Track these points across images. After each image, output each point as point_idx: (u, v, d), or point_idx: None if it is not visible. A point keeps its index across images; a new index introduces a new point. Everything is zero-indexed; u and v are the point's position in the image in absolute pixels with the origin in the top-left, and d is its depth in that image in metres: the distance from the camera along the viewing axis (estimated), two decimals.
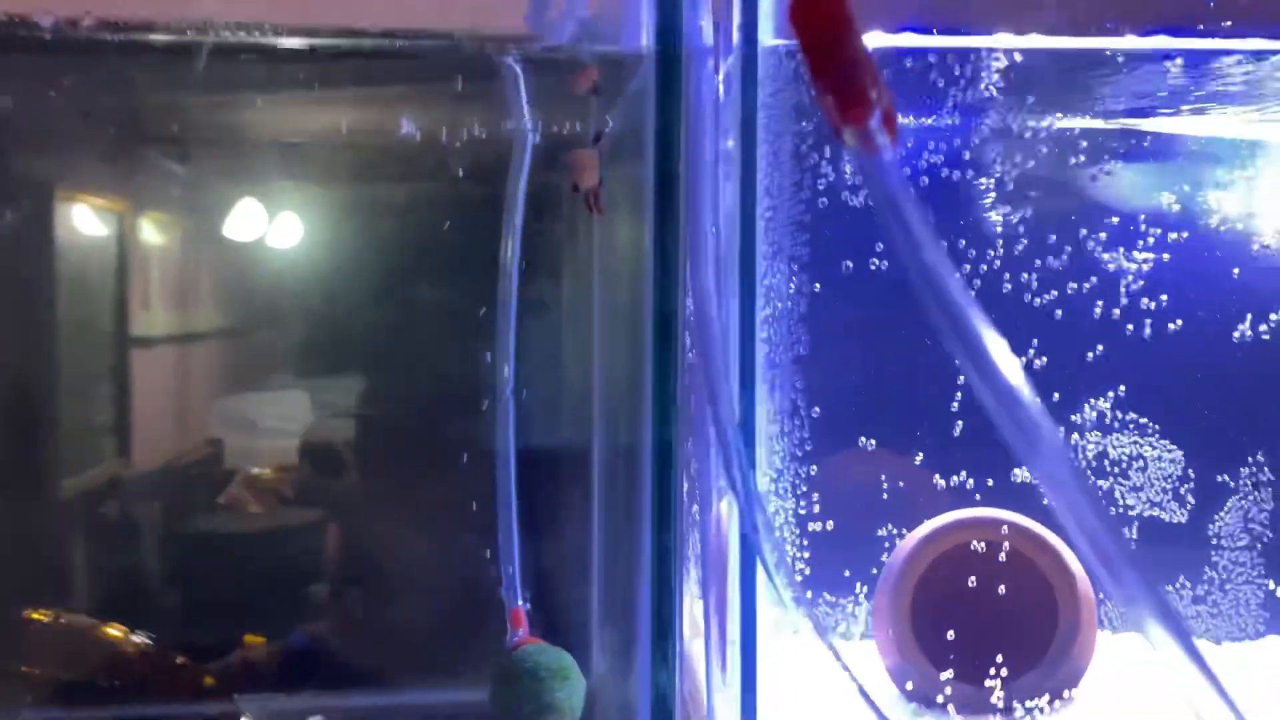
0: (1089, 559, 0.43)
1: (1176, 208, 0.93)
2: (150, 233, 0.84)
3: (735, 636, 0.72)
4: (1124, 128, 0.95)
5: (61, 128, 0.79)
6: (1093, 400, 0.93)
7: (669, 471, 0.69)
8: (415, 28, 0.74)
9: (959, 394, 0.87)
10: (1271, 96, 0.90)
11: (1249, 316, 0.93)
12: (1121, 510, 0.95)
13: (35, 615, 0.78)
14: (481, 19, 0.75)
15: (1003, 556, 0.86)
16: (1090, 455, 0.94)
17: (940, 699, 0.83)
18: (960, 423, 0.87)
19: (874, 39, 0.79)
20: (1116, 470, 0.95)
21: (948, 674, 0.83)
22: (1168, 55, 0.82)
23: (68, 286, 0.82)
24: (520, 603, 0.84)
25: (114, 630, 0.79)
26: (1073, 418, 0.93)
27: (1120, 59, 0.82)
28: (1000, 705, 0.83)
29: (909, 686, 0.84)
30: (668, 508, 0.70)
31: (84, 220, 0.82)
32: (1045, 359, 0.89)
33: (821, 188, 0.84)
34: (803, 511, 0.88)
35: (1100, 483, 0.95)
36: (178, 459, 0.86)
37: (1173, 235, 0.92)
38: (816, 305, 0.87)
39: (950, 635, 0.84)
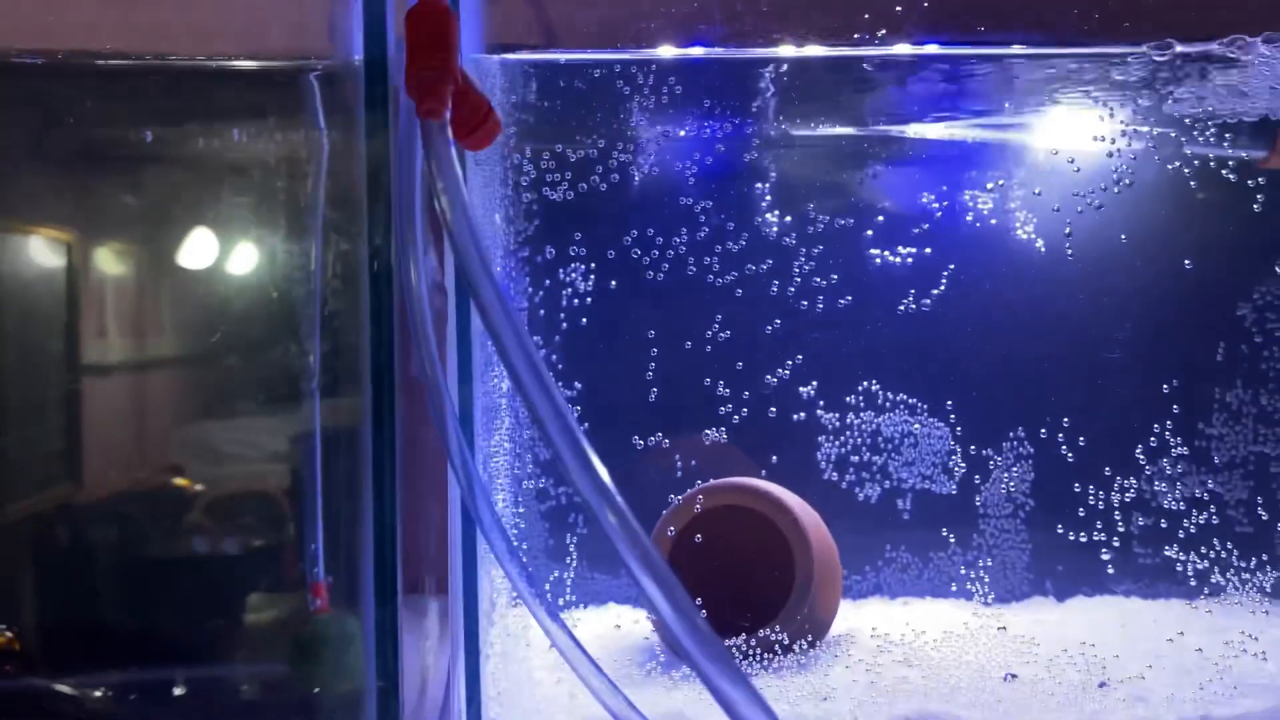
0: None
1: (936, 205, 1.02)
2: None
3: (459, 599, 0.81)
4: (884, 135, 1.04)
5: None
6: (866, 383, 1.01)
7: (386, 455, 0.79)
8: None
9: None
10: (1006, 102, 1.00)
11: (1004, 302, 1.02)
12: (897, 483, 1.02)
13: None
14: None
15: (744, 518, 0.94)
16: (867, 432, 1.02)
17: None
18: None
19: (668, 51, 0.90)
20: (890, 446, 1.03)
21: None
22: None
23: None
24: (321, 576, 0.92)
25: None
26: (847, 399, 1.01)
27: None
28: (747, 653, 0.91)
29: (664, 641, 0.93)
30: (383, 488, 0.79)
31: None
32: (820, 346, 0.98)
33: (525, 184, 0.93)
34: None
35: (876, 458, 1.03)
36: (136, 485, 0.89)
37: (933, 230, 1.01)
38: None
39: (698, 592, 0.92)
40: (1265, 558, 0.91)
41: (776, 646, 0.91)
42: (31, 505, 0.89)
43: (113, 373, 0.92)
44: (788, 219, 0.99)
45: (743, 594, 0.96)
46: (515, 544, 0.80)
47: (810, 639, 0.93)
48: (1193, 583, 0.93)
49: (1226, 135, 0.96)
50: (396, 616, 0.80)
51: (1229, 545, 0.93)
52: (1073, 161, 0.96)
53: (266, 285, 0.90)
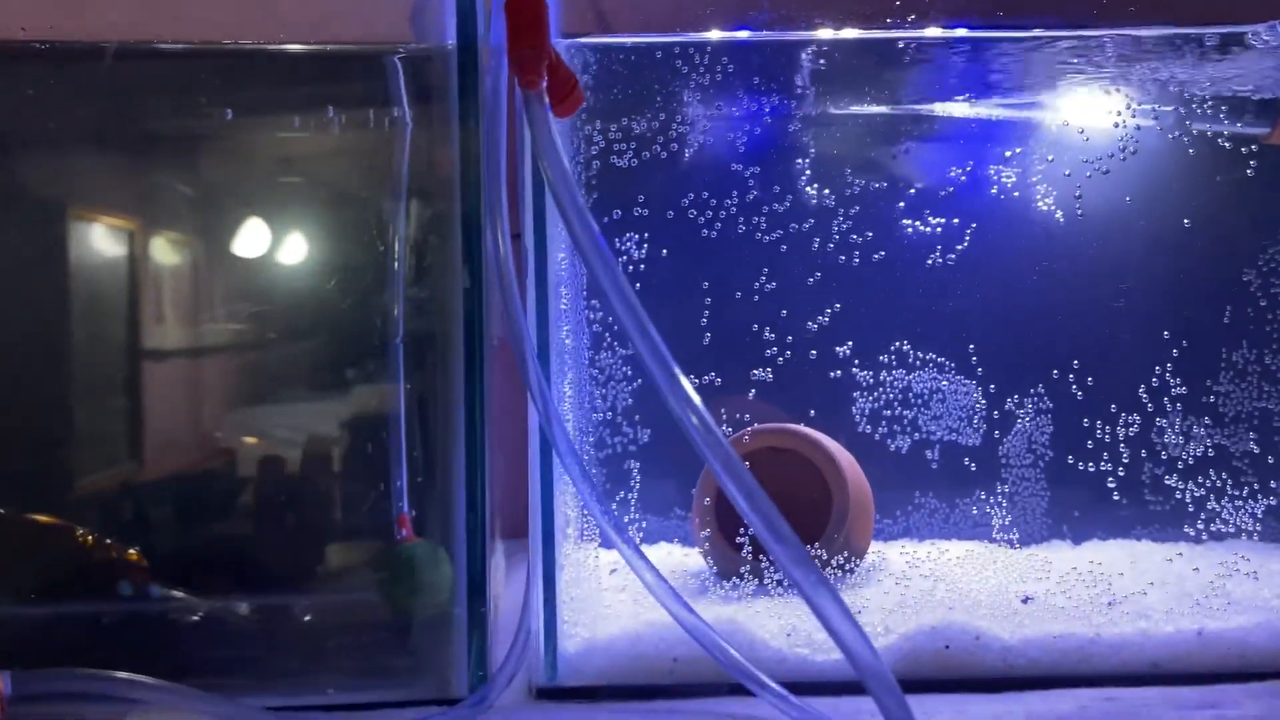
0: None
1: (962, 176, 1.11)
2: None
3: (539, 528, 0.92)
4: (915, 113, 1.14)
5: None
6: (898, 343, 1.10)
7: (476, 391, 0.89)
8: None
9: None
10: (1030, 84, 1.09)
11: (1029, 272, 1.11)
12: (925, 436, 1.12)
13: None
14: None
15: (786, 458, 1.05)
16: (898, 389, 1.11)
17: (739, 574, 1.02)
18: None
19: (716, 35, 1.00)
20: (919, 401, 1.12)
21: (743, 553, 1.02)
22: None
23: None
24: (405, 509, 1.03)
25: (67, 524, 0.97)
26: (880, 358, 1.10)
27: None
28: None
29: (713, 566, 1.04)
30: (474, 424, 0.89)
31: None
32: (855, 311, 1.08)
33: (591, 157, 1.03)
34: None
35: (907, 411, 1.12)
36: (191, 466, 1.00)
37: (962, 203, 1.10)
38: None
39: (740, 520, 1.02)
40: (1257, 487, 1.01)
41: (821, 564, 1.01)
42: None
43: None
44: (826, 189, 1.09)
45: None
46: (587, 468, 0.91)
47: (847, 565, 1.03)
48: (1193, 516, 1.02)
49: (1233, 112, 1.05)
50: (485, 542, 0.91)
51: (1224, 478, 1.02)
52: (1083, 133, 1.05)
53: (355, 250, 1.00)
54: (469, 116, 0.89)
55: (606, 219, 1.03)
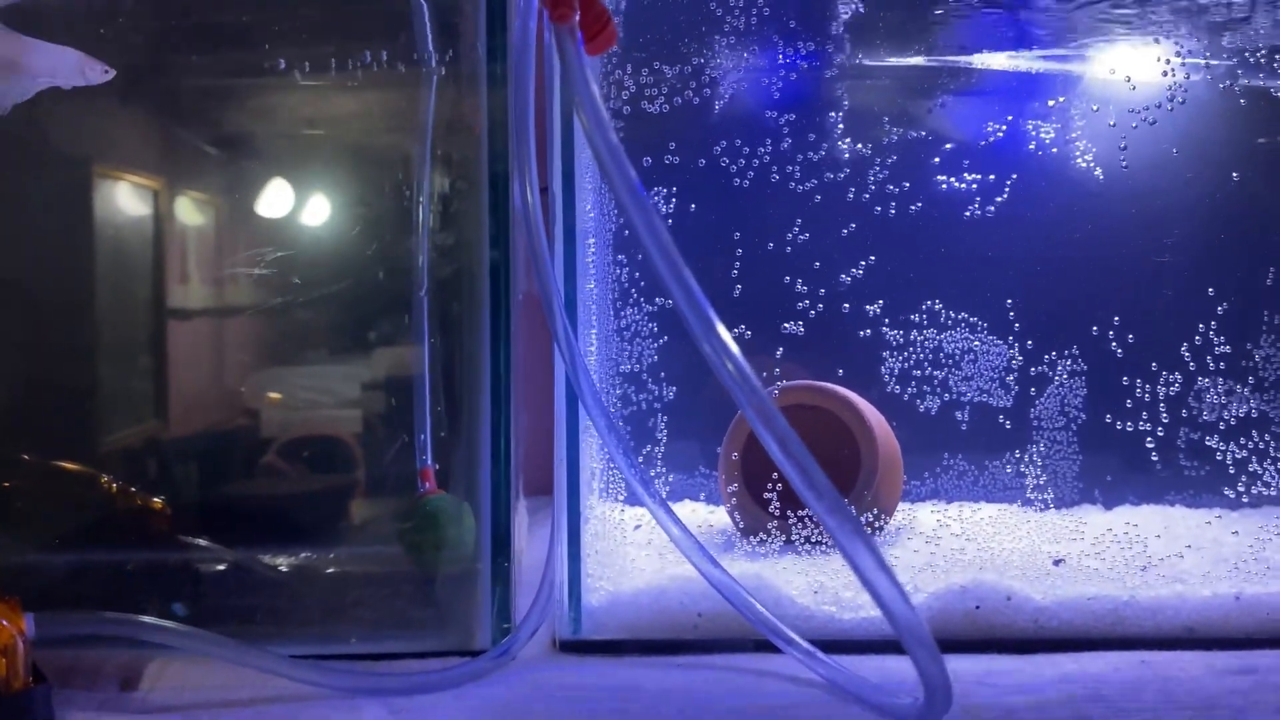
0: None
1: (1001, 133, 1.09)
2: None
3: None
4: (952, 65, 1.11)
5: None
6: (930, 301, 1.08)
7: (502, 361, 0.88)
8: None
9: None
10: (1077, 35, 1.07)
11: (1066, 228, 1.08)
12: (956, 397, 1.10)
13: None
14: None
15: (816, 415, 1.03)
16: (929, 348, 1.10)
17: (766, 531, 1.00)
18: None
19: None
20: (951, 362, 1.10)
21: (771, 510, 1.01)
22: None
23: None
24: (429, 463, 1.02)
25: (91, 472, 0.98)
26: (912, 316, 1.08)
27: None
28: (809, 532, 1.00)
29: (741, 524, 1.02)
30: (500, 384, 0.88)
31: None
32: (889, 266, 1.06)
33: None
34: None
35: (938, 372, 1.10)
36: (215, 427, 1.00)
37: (998, 157, 1.08)
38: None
39: (769, 476, 1.01)
40: None
41: None
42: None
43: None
44: (859, 142, 1.07)
45: None
46: (613, 419, 0.90)
47: (876, 522, 1.02)
48: (1232, 480, 1.00)
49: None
50: (510, 498, 0.90)
51: (1265, 442, 1.00)
52: (1129, 81, 1.02)
53: (380, 202, 0.99)
54: (496, 61, 0.87)
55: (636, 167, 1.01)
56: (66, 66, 0.88)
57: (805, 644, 0.82)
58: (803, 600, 0.91)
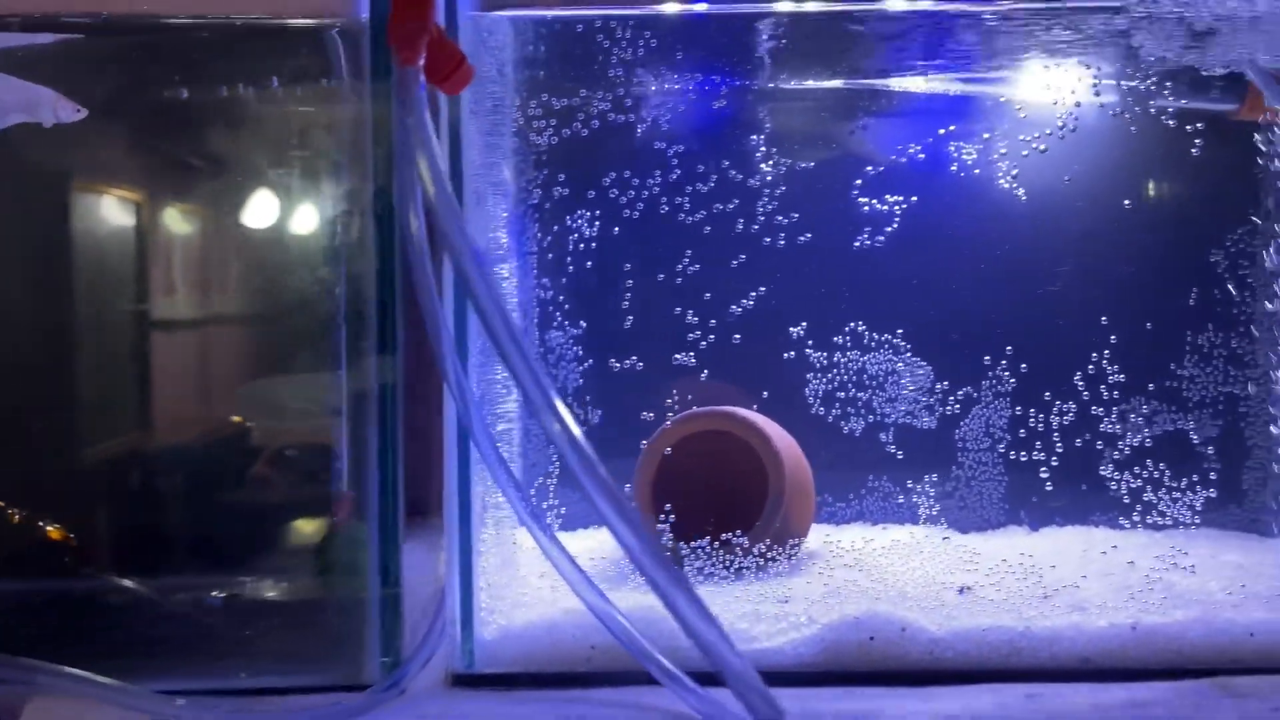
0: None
1: (921, 155, 1.08)
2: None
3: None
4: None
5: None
6: (852, 324, 1.08)
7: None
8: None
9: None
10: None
11: (986, 247, 1.08)
12: (880, 419, 1.09)
13: None
14: None
15: (724, 441, 1.03)
16: (852, 371, 1.09)
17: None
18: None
19: (669, 7, 0.98)
20: (874, 384, 1.10)
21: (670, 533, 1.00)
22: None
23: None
24: (346, 490, 1.02)
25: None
26: (835, 339, 1.08)
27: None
28: (719, 562, 1.00)
29: None
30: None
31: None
32: (807, 290, 1.06)
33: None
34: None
35: (861, 394, 1.10)
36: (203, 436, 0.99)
37: (918, 179, 1.07)
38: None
39: (682, 503, 1.00)
40: (1195, 478, 0.98)
41: (751, 556, 1.00)
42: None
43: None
44: (778, 166, 1.06)
45: (724, 509, 1.04)
46: (504, 455, 0.89)
47: (785, 550, 1.01)
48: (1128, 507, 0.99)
49: (1198, 88, 1.01)
50: (398, 526, 0.90)
51: (1161, 468, 0.99)
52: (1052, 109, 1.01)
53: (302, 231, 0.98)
54: (381, 92, 0.87)
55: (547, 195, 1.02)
56: (41, 104, 0.89)
57: (685, 677, 0.81)
58: None
